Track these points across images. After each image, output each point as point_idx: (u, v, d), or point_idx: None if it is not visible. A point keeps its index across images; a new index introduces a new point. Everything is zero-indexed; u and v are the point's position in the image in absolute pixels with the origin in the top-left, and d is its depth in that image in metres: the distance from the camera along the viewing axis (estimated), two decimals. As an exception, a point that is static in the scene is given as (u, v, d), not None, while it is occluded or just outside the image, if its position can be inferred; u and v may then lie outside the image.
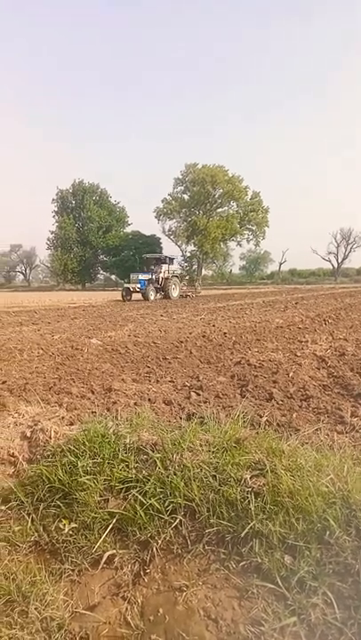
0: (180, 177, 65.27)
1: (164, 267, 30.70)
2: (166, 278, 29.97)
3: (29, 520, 2.39)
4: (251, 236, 65.96)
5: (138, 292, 27.54)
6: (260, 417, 3.45)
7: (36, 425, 3.07)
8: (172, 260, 32.73)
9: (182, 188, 65.77)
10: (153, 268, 31.29)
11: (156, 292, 28.84)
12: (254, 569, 1.96)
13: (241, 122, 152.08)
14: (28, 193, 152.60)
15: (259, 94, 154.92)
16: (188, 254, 67.66)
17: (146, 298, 27.25)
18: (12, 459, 2.87)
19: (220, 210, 65.26)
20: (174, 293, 29.96)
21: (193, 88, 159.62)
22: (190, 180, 63.84)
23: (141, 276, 28.71)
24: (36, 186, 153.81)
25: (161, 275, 29.96)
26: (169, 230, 65.73)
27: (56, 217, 66.21)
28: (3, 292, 56.53)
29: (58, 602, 1.95)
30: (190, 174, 63.86)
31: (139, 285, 27.48)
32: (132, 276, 29.63)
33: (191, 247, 66.82)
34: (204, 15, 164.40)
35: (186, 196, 65.55)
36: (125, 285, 29.27)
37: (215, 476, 2.31)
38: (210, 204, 64.19)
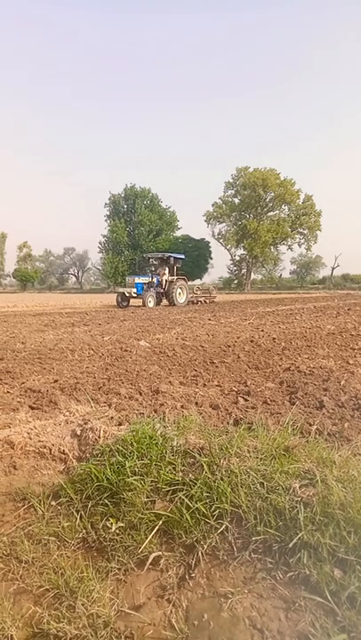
0: (231, 180, 65.24)
1: (168, 268, 26.04)
2: (171, 281, 25.31)
3: (78, 517, 2.44)
4: (302, 240, 64.95)
5: (135, 297, 23.55)
6: (310, 425, 3.37)
7: (85, 424, 3.14)
8: (177, 259, 27.37)
9: (233, 191, 65.67)
10: (153, 269, 27.19)
11: (159, 298, 24.78)
12: (302, 581, 1.91)
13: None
14: (82, 197, 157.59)
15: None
16: (238, 258, 67.38)
17: (143, 304, 22.93)
18: (63, 456, 2.95)
19: (270, 213, 64.75)
20: (180, 299, 25.46)
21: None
22: (241, 184, 63.63)
23: (139, 279, 24.40)
24: (91, 189, 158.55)
25: (165, 277, 25.34)
26: (218, 234, 65.76)
27: (108, 221, 67.84)
28: (56, 293, 58.51)
29: (104, 599, 1.98)
30: (241, 178, 63.68)
31: (135, 290, 23.53)
32: (127, 278, 25.55)
33: (240, 251, 66.54)
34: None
35: (236, 200, 65.37)
36: (120, 290, 24.82)
37: (263, 483, 2.27)
38: (261, 207, 63.76)
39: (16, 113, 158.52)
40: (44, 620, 1.93)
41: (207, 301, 27.73)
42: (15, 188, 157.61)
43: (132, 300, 24.10)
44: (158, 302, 24.65)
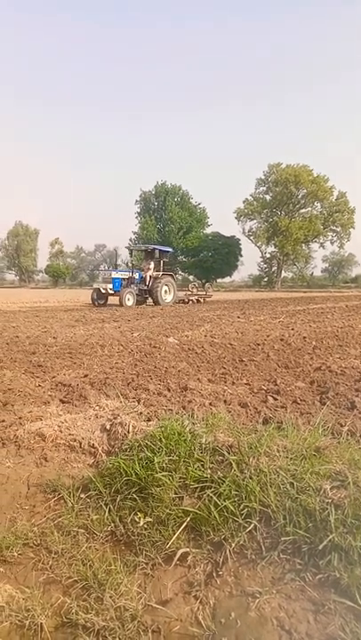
0: (263, 177, 64.49)
1: (153, 262, 22.57)
2: (155, 278, 21.82)
3: (107, 510, 2.46)
4: (335, 238, 63.69)
5: (112, 294, 20.48)
6: (342, 426, 3.30)
7: (115, 419, 3.17)
8: (163, 252, 24.04)
9: (264, 188, 64.90)
10: (135, 263, 24.30)
11: (142, 296, 21.59)
12: (332, 583, 1.87)
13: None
14: (114, 194, 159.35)
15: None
16: (268, 255, 66.67)
17: (120, 302, 19.75)
18: (93, 449, 2.99)
19: (303, 210, 63.72)
20: (167, 297, 22.02)
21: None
22: (273, 181, 62.81)
23: (116, 274, 21.09)
24: (122, 187, 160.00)
25: (149, 273, 21.85)
26: (249, 231, 65.15)
27: (138, 218, 68.23)
28: (86, 289, 59.19)
29: (132, 593, 2.00)
30: (273, 174, 62.84)
31: (110, 286, 20.41)
32: (103, 273, 22.78)
33: (271, 248, 65.77)
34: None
35: (268, 197, 64.60)
36: (95, 285, 21.91)
37: (293, 483, 2.24)
38: (292, 204, 62.82)
39: (33, 109, 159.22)
40: (73, 611, 1.97)
41: (201, 301, 24.64)
42: (47, 184, 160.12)
43: (111, 299, 21.13)
44: (142, 301, 21.72)
